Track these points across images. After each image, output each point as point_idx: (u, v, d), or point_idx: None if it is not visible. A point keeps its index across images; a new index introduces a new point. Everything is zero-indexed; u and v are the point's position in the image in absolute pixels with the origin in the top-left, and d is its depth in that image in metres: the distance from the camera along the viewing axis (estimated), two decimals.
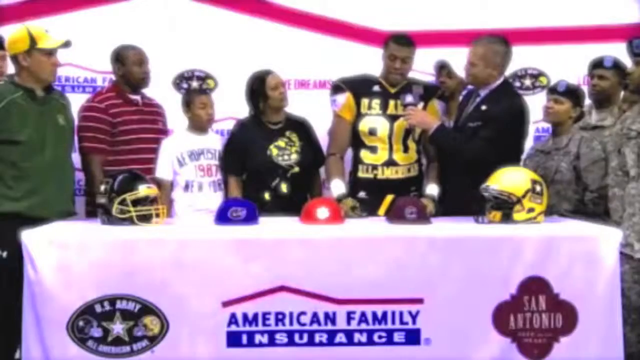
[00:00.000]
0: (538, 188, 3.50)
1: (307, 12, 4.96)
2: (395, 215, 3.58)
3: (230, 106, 4.56)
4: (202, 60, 4.92)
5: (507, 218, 3.48)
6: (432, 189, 4.09)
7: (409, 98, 3.96)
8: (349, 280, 3.27)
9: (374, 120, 4.09)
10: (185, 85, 4.93)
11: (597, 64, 4.32)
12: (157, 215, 3.52)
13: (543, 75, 4.97)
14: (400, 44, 4.02)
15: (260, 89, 4.19)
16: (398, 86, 4.10)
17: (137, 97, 4.27)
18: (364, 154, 4.12)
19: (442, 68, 4.31)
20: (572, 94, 4.12)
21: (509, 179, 3.50)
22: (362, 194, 4.09)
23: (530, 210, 3.48)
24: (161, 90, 4.61)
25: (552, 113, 4.12)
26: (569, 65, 4.69)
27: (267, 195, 4.12)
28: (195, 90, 4.78)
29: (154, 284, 3.24)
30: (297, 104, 4.37)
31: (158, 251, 3.26)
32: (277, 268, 3.26)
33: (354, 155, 4.21)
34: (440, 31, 4.82)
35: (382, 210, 4.01)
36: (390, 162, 4.08)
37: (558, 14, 4.86)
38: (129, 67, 4.22)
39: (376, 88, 4.12)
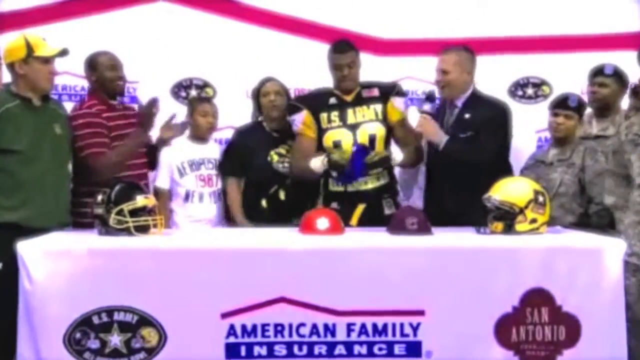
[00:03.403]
0: (541, 198, 3.47)
1: (307, 20, 4.95)
2: (396, 226, 3.54)
3: (229, 115, 4.55)
4: (201, 68, 4.90)
5: (509, 229, 3.45)
6: (398, 153, 4.02)
7: (426, 106, 3.95)
8: (349, 292, 3.23)
9: (336, 133, 4.00)
10: (183, 94, 4.91)
11: (598, 72, 4.31)
12: (155, 225, 3.48)
13: (545, 84, 4.95)
14: (341, 51, 3.96)
15: (256, 95, 4.24)
16: (353, 93, 4.03)
17: (116, 103, 4.10)
18: None
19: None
20: (580, 107, 4.13)
21: (511, 190, 3.47)
22: (334, 205, 4.01)
23: (533, 221, 3.45)
24: (159, 99, 4.56)
25: (563, 129, 4.09)
26: (571, 74, 4.67)
27: (264, 203, 4.09)
28: (196, 98, 4.74)
29: (152, 295, 3.20)
30: None
31: (156, 262, 3.23)
32: (277, 279, 3.22)
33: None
34: (443, 39, 4.79)
35: (354, 220, 3.94)
36: None
37: (560, 22, 4.86)
38: (102, 72, 4.03)
39: (332, 100, 4.03)
